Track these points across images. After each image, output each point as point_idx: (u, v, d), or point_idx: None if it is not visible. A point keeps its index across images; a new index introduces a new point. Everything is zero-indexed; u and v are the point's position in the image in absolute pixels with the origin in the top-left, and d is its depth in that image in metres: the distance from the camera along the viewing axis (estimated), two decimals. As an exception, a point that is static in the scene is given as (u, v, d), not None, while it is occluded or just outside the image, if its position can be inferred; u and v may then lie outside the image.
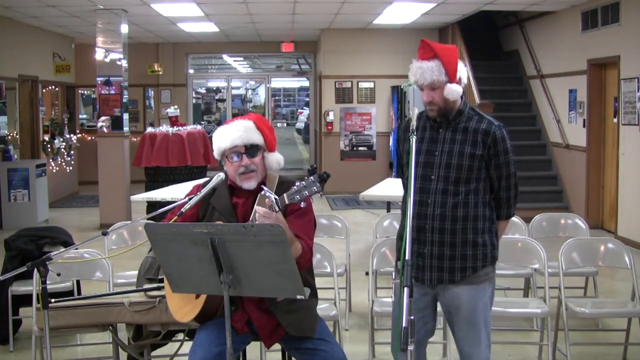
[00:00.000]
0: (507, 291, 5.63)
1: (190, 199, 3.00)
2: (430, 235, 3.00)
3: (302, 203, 2.71)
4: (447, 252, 3.00)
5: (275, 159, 3.06)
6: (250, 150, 3.00)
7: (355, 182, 11.58)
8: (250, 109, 24.33)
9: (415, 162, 3.06)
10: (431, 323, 3.18)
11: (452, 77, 2.95)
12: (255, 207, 2.82)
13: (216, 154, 3.10)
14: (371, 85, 12.78)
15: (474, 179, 3.01)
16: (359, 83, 12.79)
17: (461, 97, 3.05)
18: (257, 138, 3.02)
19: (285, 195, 2.70)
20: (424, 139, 3.08)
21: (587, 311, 4.26)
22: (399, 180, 8.47)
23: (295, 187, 2.67)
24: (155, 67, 14.24)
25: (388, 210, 7.17)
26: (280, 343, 3.06)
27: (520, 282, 5.41)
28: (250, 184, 3.01)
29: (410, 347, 2.33)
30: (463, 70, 3.02)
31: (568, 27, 9.67)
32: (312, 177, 2.64)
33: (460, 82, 3.00)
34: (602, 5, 8.66)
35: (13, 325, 4.79)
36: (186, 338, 3.46)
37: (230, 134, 3.02)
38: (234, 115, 15.54)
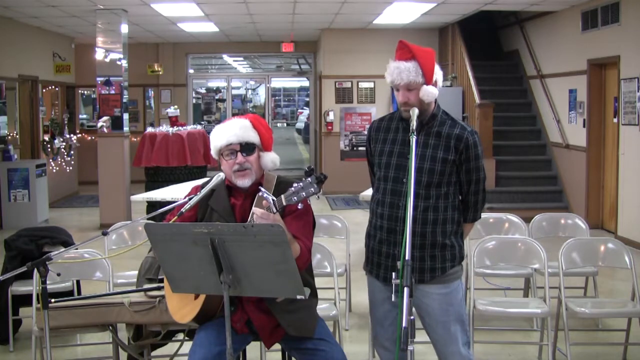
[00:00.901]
0: (507, 291, 5.63)
1: (189, 200, 3.00)
2: (400, 237, 3.02)
3: (300, 204, 2.71)
4: (416, 254, 3.02)
5: (270, 158, 3.06)
6: (245, 148, 3.01)
7: (355, 182, 11.57)
8: (250, 109, 24.34)
9: (387, 162, 3.09)
10: None
11: (428, 79, 2.97)
12: (253, 208, 2.82)
13: (213, 152, 3.11)
14: (371, 85, 12.78)
15: (445, 183, 3.04)
16: (359, 83, 12.79)
17: (435, 101, 3.07)
18: (252, 137, 3.03)
19: (282, 196, 2.71)
20: (396, 141, 3.10)
21: (587, 311, 4.25)
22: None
23: (292, 188, 2.68)
24: (155, 67, 14.24)
25: (388, 210, 7.16)
26: (280, 343, 3.06)
27: (520, 282, 5.42)
28: (244, 182, 3.02)
29: (410, 347, 2.33)
30: (439, 74, 3.05)
31: (568, 27, 9.67)
32: (309, 179, 2.64)
33: (436, 85, 3.02)
34: (602, 5, 8.66)
35: (13, 325, 4.79)
36: (186, 338, 3.46)
37: (226, 132, 3.03)
38: (234, 115, 15.55)
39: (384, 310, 3.12)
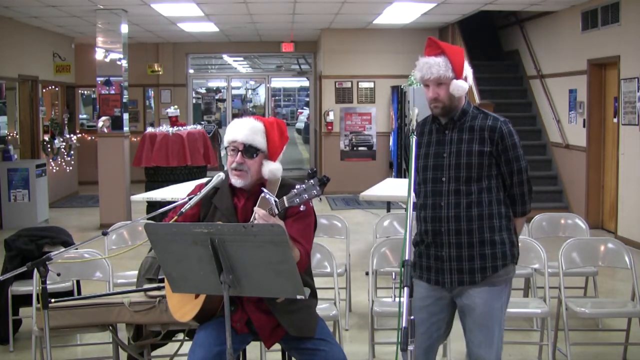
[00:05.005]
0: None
1: (190, 199, 3.00)
2: (446, 237, 2.98)
3: (302, 206, 2.70)
4: (465, 253, 2.97)
5: (271, 168, 3.00)
6: (247, 150, 2.99)
7: (355, 182, 11.59)
8: (251, 109, 24.32)
9: (424, 165, 3.05)
10: (444, 328, 3.14)
11: (458, 74, 2.94)
12: (255, 208, 2.81)
13: (224, 143, 3.11)
14: (371, 85, 12.78)
15: (485, 176, 2.98)
16: (359, 83, 12.79)
17: (465, 97, 3.04)
18: (259, 141, 3.00)
19: (285, 198, 2.71)
20: (431, 143, 3.06)
21: (587, 311, 4.26)
22: (399, 181, 8.49)
23: (295, 190, 2.67)
24: (155, 67, 14.24)
25: (388, 210, 7.17)
26: (280, 343, 3.06)
27: (520, 282, 5.41)
28: (237, 182, 3.00)
29: (410, 347, 2.33)
30: (469, 70, 3.02)
31: (568, 27, 9.67)
32: (312, 181, 2.64)
33: (467, 81, 2.99)
34: (602, 5, 8.66)
35: (13, 325, 4.79)
36: (186, 338, 3.46)
37: (236, 128, 3.02)
38: (234, 115, 15.56)
39: (420, 318, 3.00)
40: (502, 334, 3.07)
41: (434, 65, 2.93)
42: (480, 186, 2.98)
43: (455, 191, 2.97)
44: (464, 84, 2.95)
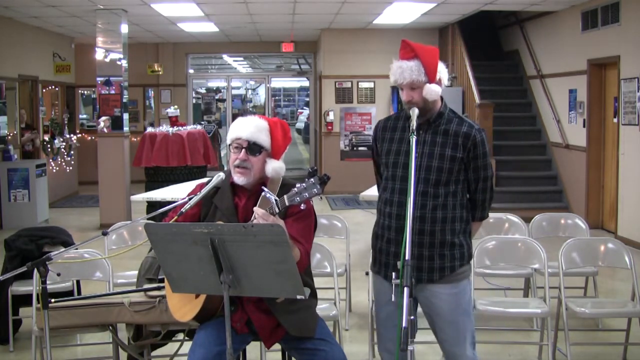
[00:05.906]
0: (507, 291, 5.63)
1: (191, 199, 3.00)
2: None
3: (302, 205, 2.70)
4: (425, 253, 3.01)
5: (274, 166, 3.00)
6: (251, 147, 3.00)
7: (355, 182, 11.58)
8: (251, 109, 24.32)
9: (394, 162, 3.07)
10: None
11: (431, 78, 2.96)
12: (255, 208, 2.81)
13: (227, 141, 3.11)
14: (371, 85, 12.78)
15: (453, 181, 3.03)
16: (359, 83, 12.79)
17: (441, 99, 3.07)
18: (263, 139, 3.01)
19: (285, 196, 2.71)
20: (402, 140, 3.09)
21: (587, 311, 4.26)
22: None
23: (295, 188, 2.67)
24: (155, 67, 14.23)
25: (388, 210, 7.16)
26: (280, 343, 3.06)
27: (520, 282, 5.42)
28: (239, 179, 3.01)
29: (411, 347, 2.33)
30: (444, 72, 3.05)
31: (568, 27, 9.67)
32: (312, 179, 2.64)
33: (440, 83, 3.01)
34: (602, 5, 8.66)
35: (13, 325, 4.79)
36: (186, 338, 3.46)
37: (240, 126, 3.03)
38: (234, 116, 15.57)
39: (387, 311, 3.08)
40: (472, 329, 3.12)
41: (406, 69, 2.95)
42: (447, 190, 3.02)
43: (422, 192, 3.00)
44: (437, 88, 2.98)
